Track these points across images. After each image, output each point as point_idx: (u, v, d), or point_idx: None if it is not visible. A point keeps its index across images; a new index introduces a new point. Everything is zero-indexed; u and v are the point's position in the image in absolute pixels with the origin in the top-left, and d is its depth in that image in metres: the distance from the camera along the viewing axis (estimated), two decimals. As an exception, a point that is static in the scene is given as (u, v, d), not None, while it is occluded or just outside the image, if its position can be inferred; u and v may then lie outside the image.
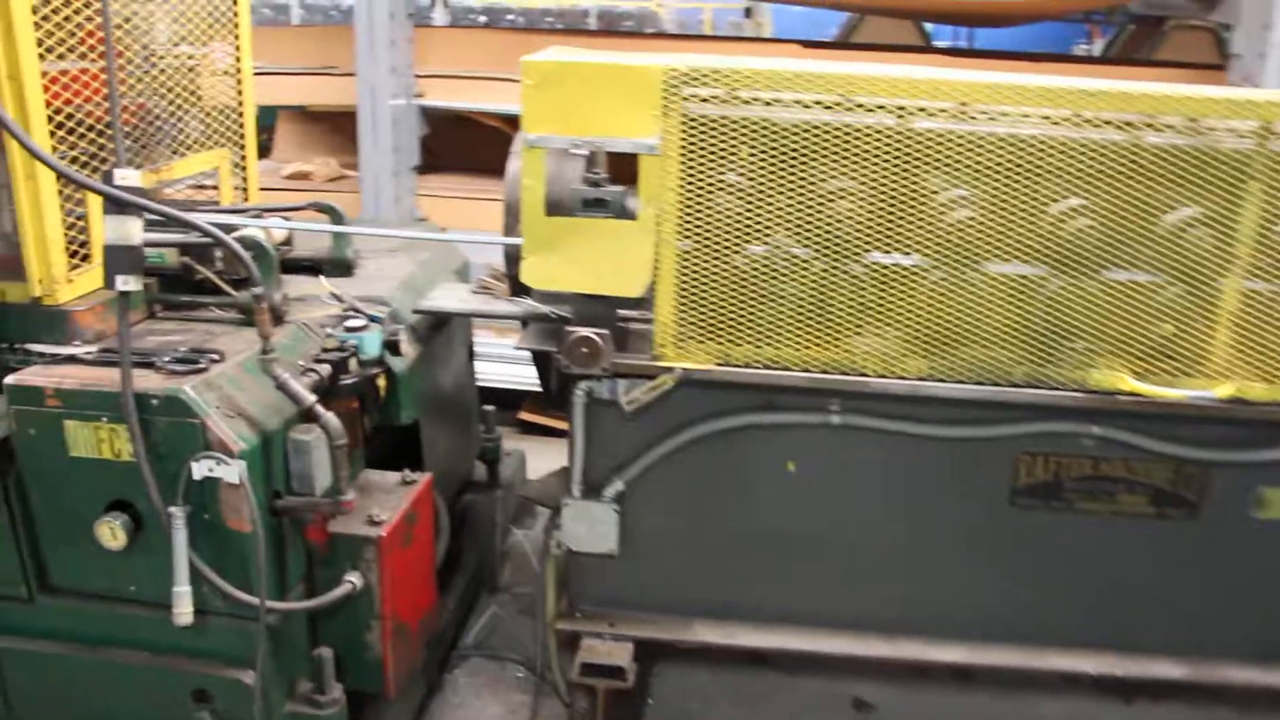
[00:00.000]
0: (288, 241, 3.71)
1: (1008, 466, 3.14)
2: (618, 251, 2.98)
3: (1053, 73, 2.97)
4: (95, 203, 3.00)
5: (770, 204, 2.91)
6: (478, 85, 6.67)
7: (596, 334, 3.03)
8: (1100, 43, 12.51)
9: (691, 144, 2.87)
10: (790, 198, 2.90)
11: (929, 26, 10.09)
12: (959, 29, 13.92)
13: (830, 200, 2.90)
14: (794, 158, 2.87)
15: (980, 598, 3.29)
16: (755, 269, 2.96)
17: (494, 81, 6.57)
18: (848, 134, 2.84)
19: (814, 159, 2.86)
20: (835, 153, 2.85)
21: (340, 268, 3.78)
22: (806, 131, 2.84)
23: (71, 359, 2.94)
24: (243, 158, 3.91)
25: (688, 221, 2.93)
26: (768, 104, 2.85)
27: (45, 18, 2.88)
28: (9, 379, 2.86)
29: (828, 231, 2.92)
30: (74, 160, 3.02)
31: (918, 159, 2.86)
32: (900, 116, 2.84)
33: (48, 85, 2.90)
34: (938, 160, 2.85)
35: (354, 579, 3.05)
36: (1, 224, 3.00)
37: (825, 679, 3.40)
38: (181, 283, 3.30)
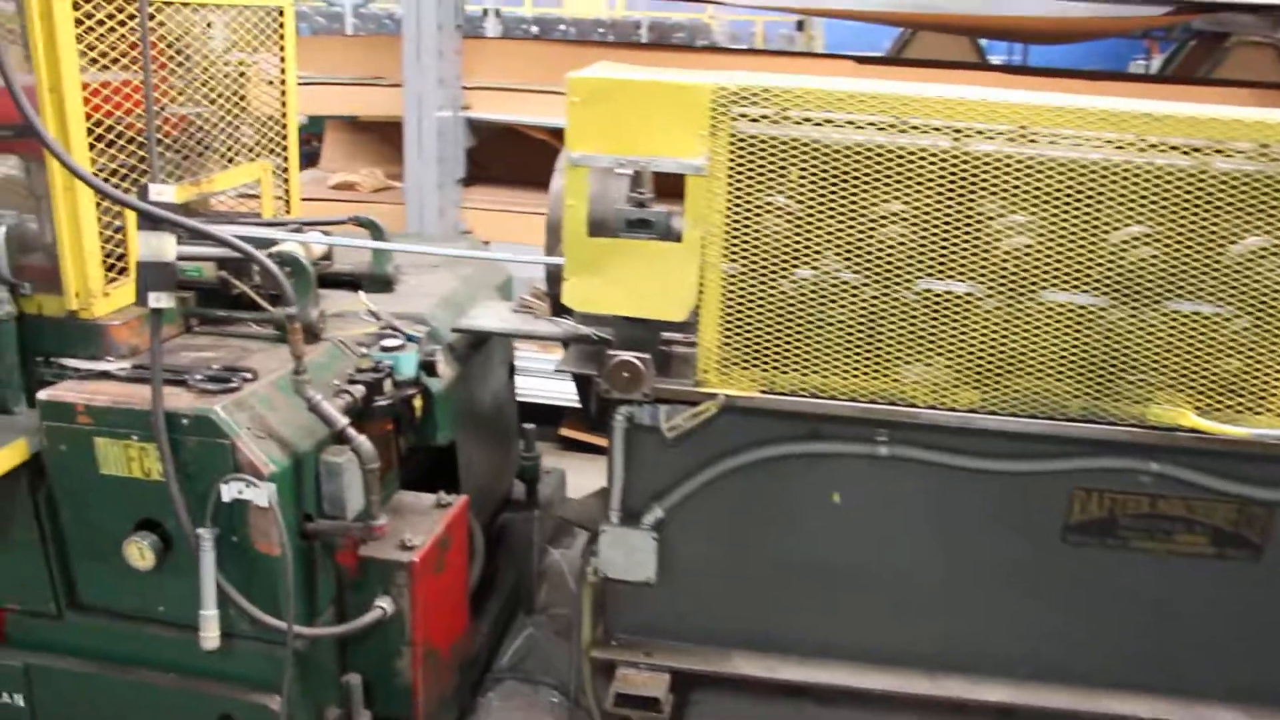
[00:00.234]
0: (327, 256, 3.67)
1: (1061, 502, 3.02)
2: (662, 274, 2.90)
3: (1110, 91, 2.88)
4: (132, 216, 2.97)
5: (820, 227, 2.82)
6: (525, 98, 6.64)
7: (638, 358, 2.95)
8: (1159, 59, 12.29)
9: (740, 165, 2.79)
10: (840, 221, 2.81)
11: (984, 42, 9.97)
12: (1013, 45, 13.77)
13: (882, 224, 2.81)
14: (845, 180, 2.78)
15: (1028, 636, 3.18)
16: (803, 294, 2.87)
17: (542, 94, 6.53)
18: (902, 156, 2.74)
19: (866, 182, 2.77)
20: (888, 175, 2.76)
21: (380, 283, 3.73)
22: (859, 153, 2.75)
23: (104, 375, 2.91)
24: (285, 169, 3.88)
25: (734, 244, 2.85)
26: (819, 124, 2.76)
27: (89, 29, 2.85)
28: (42, 394, 2.83)
29: (878, 256, 2.82)
30: (114, 173, 2.99)
31: (973, 183, 2.75)
32: (956, 139, 2.74)
33: (88, 97, 2.87)
34: (994, 184, 2.75)
35: (385, 604, 2.99)
36: (42, 236, 2.98)
37: (863, 714, 3.29)
38: (219, 296, 3.26)
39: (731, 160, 2.79)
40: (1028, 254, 2.79)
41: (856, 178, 2.77)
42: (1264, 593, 3.05)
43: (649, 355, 2.98)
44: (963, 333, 2.86)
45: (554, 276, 3.18)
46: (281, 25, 3.73)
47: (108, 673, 3.05)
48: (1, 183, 3.07)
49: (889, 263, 2.83)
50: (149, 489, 2.78)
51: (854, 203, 2.79)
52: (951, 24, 7.67)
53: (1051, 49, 11.88)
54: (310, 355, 2.93)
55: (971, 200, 2.77)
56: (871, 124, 2.75)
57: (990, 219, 2.78)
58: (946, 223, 2.79)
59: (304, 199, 4.11)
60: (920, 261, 2.82)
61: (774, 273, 2.87)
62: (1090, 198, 2.73)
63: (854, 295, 2.86)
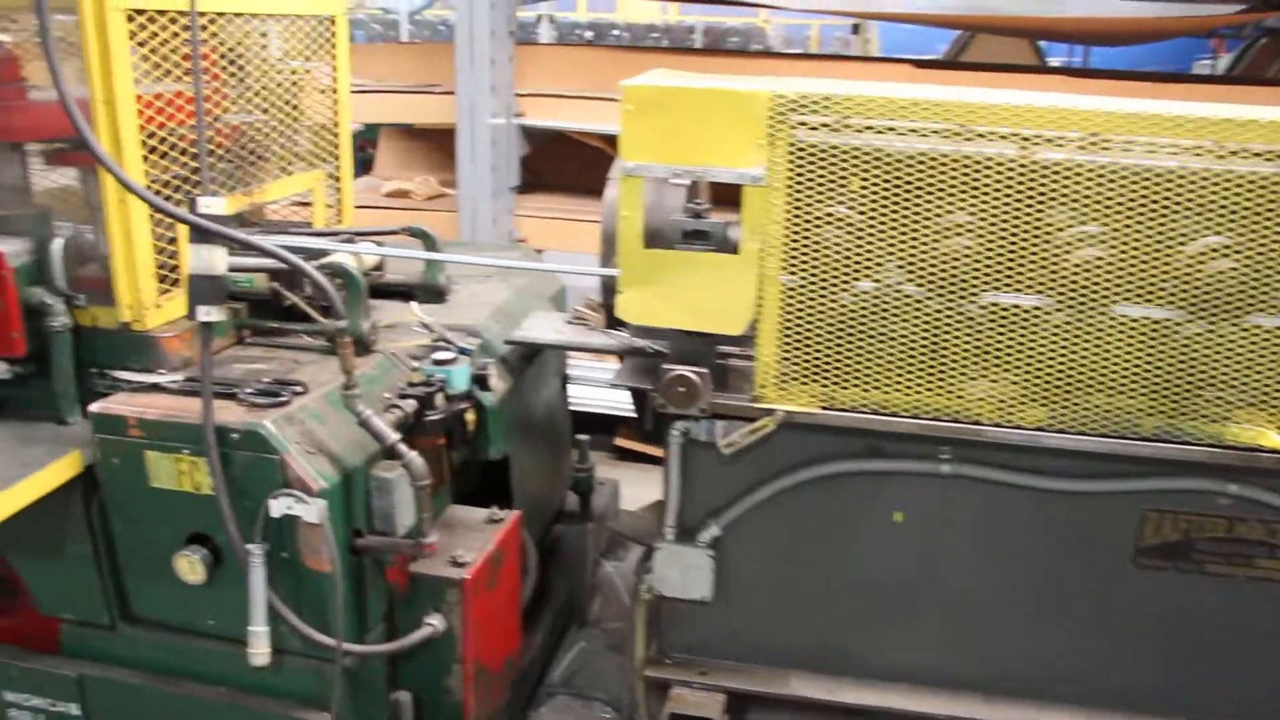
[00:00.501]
0: (379, 266, 3.65)
1: (1132, 524, 2.91)
2: (718, 286, 2.84)
3: (1179, 94, 2.77)
4: (184, 228, 2.95)
5: (882, 239, 2.74)
6: (579, 104, 6.60)
7: (695, 373, 2.89)
8: (1225, 58, 12.01)
9: (799, 174, 2.72)
10: (903, 232, 2.73)
11: (1043, 44, 9.79)
12: (1073, 46, 13.53)
13: (946, 235, 2.72)
14: (908, 190, 2.69)
15: (1094, 662, 3.07)
16: (864, 307, 2.79)
17: (596, 101, 6.49)
18: (967, 165, 2.65)
19: (930, 191, 2.69)
20: (953, 185, 2.67)
21: (433, 294, 3.70)
22: (922, 162, 2.67)
23: (155, 387, 2.89)
24: (338, 177, 3.87)
25: (793, 256, 2.78)
26: (881, 133, 2.68)
27: (142, 42, 2.84)
28: (94, 406, 2.81)
29: (943, 269, 2.74)
30: (167, 184, 2.98)
31: (1042, 192, 2.66)
32: (1024, 147, 2.65)
33: (143, 109, 2.86)
34: (1063, 194, 2.65)
35: (435, 622, 2.94)
36: (97, 247, 2.97)
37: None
38: (271, 307, 3.24)
39: (790, 170, 2.72)
40: (1099, 266, 2.68)
41: (920, 187, 2.69)
42: (1347, 620, 2.92)
43: (705, 370, 2.91)
44: (1030, 348, 2.77)
45: (609, 287, 3.13)
46: (334, 34, 3.71)
47: (160, 685, 3.03)
48: (60, 194, 3.07)
49: (953, 275, 2.74)
50: (200, 503, 2.76)
51: (917, 213, 2.71)
52: (1012, 26, 7.52)
53: (1110, 50, 11.65)
54: (361, 368, 2.90)
55: (1040, 210, 2.67)
56: (935, 132, 2.67)
57: (1059, 230, 2.68)
58: (1013, 234, 2.69)
59: (357, 206, 4.09)
60: (986, 274, 2.73)
61: (834, 285, 2.79)
62: (1165, 207, 2.62)
63: (917, 308, 2.78)
